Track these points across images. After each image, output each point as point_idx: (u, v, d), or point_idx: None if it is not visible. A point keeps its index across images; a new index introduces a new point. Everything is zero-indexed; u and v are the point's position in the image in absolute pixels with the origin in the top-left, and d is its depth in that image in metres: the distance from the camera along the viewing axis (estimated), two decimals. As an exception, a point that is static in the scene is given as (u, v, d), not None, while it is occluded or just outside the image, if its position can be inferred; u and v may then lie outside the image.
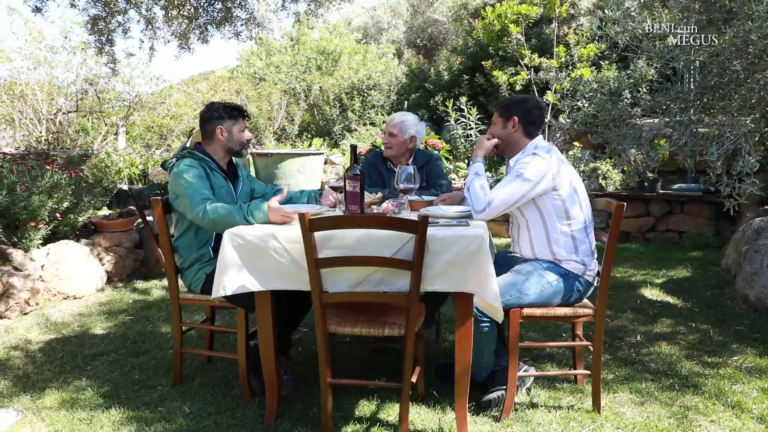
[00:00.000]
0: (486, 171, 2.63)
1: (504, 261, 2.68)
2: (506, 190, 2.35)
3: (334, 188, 2.77)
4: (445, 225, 2.22)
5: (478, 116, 7.76)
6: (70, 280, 4.33)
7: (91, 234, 4.87)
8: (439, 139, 6.97)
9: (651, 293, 4.31)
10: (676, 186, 6.30)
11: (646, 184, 6.29)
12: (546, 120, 2.55)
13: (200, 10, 6.24)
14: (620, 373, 2.85)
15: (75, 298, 4.36)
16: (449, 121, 7.86)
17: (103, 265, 4.74)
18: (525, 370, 2.57)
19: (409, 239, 2.04)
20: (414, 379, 2.34)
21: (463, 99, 7.63)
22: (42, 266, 4.21)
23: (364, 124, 9.00)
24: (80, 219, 4.89)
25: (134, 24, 7.48)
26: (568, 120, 3.88)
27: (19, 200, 4.00)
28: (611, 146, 3.64)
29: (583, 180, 6.91)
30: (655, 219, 6.34)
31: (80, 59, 7.89)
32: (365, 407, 2.51)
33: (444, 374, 2.70)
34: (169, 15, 6.49)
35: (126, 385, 2.77)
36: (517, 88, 6.84)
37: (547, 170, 2.35)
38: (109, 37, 6.67)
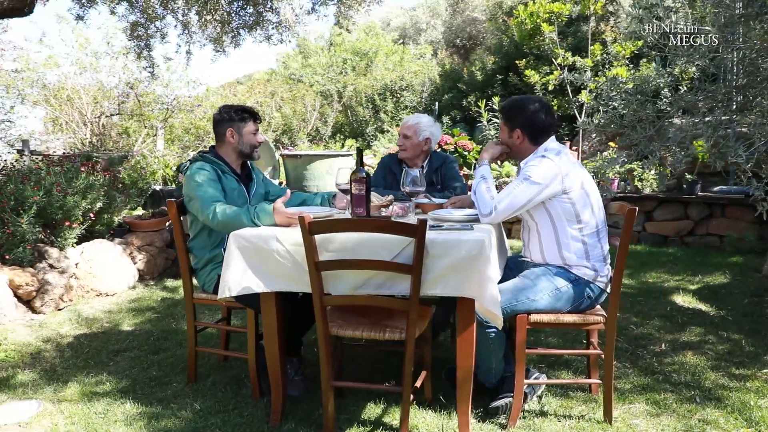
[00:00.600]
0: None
1: (515, 265, 2.63)
2: (513, 194, 2.30)
3: (344, 191, 2.78)
4: (449, 229, 2.19)
5: (511, 116, 7.62)
6: (102, 278, 4.50)
7: (125, 233, 5.05)
8: (470, 140, 6.88)
9: (683, 300, 4.14)
10: (716, 188, 6.03)
11: (684, 186, 6.05)
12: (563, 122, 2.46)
13: (233, 14, 6.38)
14: (638, 383, 2.74)
15: (107, 295, 4.53)
16: (482, 122, 7.77)
17: (135, 263, 4.91)
18: (535, 378, 2.51)
19: (408, 243, 2.02)
20: (418, 384, 2.33)
21: (496, 99, 7.52)
22: (76, 264, 4.39)
23: (397, 125, 9.01)
24: (116, 219, 5.08)
25: (171, 29, 7.69)
26: (593, 121, 3.76)
27: (55, 201, 4.19)
28: (639, 147, 3.51)
29: (619, 182, 6.71)
30: (694, 222, 6.08)
31: (122, 64, 8.19)
32: (371, 410, 2.50)
33: (455, 379, 2.67)
34: (204, 20, 6.66)
35: (143, 381, 2.86)
36: (550, 87, 6.69)
37: (556, 173, 2.28)
38: (147, 42, 6.90)
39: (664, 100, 3.48)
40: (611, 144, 6.33)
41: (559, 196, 2.32)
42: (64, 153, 7.94)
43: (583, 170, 2.40)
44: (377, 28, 15.28)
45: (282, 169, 6.80)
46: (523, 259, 2.58)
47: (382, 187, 3.23)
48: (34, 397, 2.69)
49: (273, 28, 6.16)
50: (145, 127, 8.56)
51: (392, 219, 2.29)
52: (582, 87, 6.71)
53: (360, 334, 2.16)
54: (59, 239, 4.30)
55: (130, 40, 6.86)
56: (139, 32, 6.83)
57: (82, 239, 4.69)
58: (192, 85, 8.26)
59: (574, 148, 7.87)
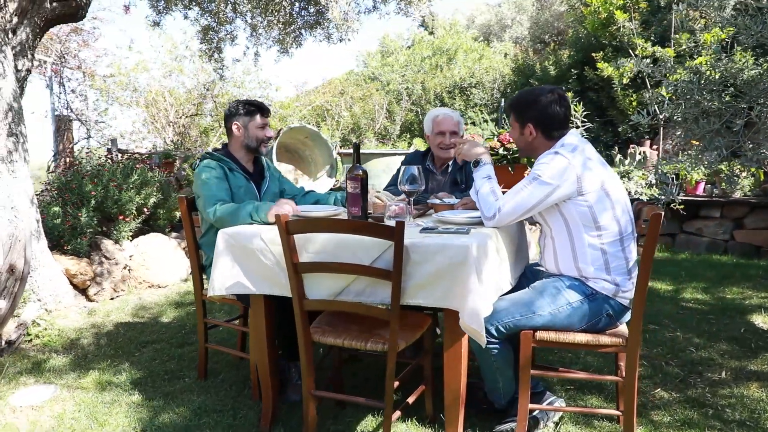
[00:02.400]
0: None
1: (532, 275, 2.36)
2: (521, 195, 2.05)
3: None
4: (442, 232, 2.00)
5: (585, 113, 7.11)
6: (155, 270, 4.70)
7: (182, 228, 5.25)
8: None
9: (763, 321, 3.59)
10: (823, 193, 5.23)
11: (782, 190, 5.31)
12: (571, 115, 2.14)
13: (295, 15, 6.45)
14: (681, 416, 2.37)
15: (159, 287, 4.72)
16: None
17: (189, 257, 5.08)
18: (549, 402, 2.24)
19: (388, 247, 1.86)
20: (411, 399, 2.15)
21: (569, 95, 7.04)
22: (131, 256, 4.61)
23: (465, 124, 8.73)
24: (177, 214, 5.29)
25: (240, 31, 7.94)
26: (646, 116, 3.35)
27: (111, 196, 4.42)
28: (702, 143, 3.06)
29: (706, 184, 6.02)
30: (793, 232, 5.32)
31: (199, 66, 8.60)
32: (368, 423, 2.36)
33: (467, 397, 2.45)
34: (270, 22, 6.81)
35: (159, 374, 2.91)
36: (625, 81, 6.15)
37: (569, 172, 2.01)
38: (218, 45, 7.18)
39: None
40: (693, 142, 5.69)
41: (574, 198, 2.04)
42: (147, 151, 8.48)
43: (605, 169, 2.09)
44: (458, 25, 14.95)
45: (340, 167, 6.79)
46: (539, 268, 2.31)
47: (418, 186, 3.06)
48: (57, 382, 2.81)
49: (333, 27, 6.15)
50: (220, 126, 8.94)
51: (384, 220, 2.13)
52: (662, 79, 6.10)
53: (341, 342, 2.02)
54: (115, 232, 4.53)
55: (201, 43, 7.17)
56: (210, 36, 7.12)
57: (141, 233, 4.93)
58: (262, 86, 8.50)
59: (654, 147, 7.18)
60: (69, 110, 8.20)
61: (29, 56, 3.42)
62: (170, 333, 3.56)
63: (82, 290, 4.25)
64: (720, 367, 2.90)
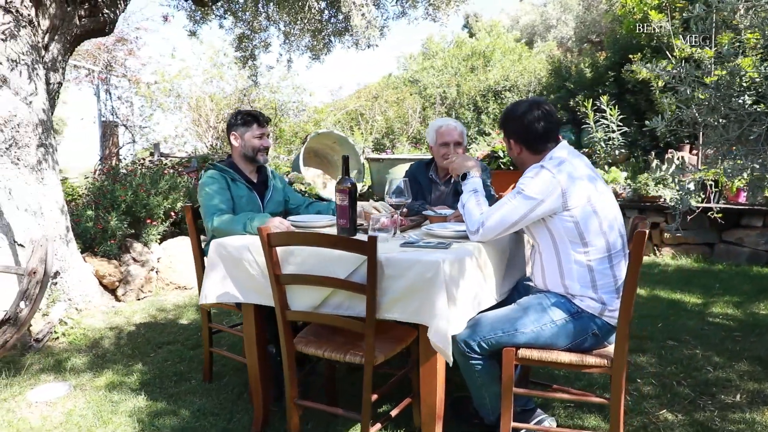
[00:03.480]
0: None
1: (523, 289, 2.32)
2: (504, 209, 2.03)
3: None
4: (422, 246, 1.99)
5: (622, 117, 6.88)
6: (181, 272, 4.87)
7: (209, 231, 5.42)
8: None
9: (794, 341, 3.38)
10: None
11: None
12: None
13: (324, 22, 6.55)
14: (681, 441, 2.27)
15: (185, 289, 4.88)
16: (588, 124, 7.10)
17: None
18: (536, 422, 2.19)
19: (363, 261, 1.87)
20: (394, 413, 2.15)
21: (604, 98, 6.83)
22: (158, 258, 4.80)
23: (495, 127, 8.61)
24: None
25: (273, 39, 8.12)
26: (662, 121, 3.22)
27: (140, 200, 4.62)
28: (720, 152, 2.92)
29: (746, 192, 5.72)
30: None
31: (236, 72, 8.85)
32: (356, 432, 2.38)
33: (457, 410, 2.44)
34: (301, 29, 6.94)
35: (168, 375, 3.02)
36: (660, 83, 5.91)
37: (553, 186, 1.96)
38: (252, 52, 7.37)
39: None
40: (734, 149, 5.42)
41: (559, 213, 1.99)
42: (187, 155, 8.78)
43: (593, 184, 2.03)
44: (499, 26, 14.75)
45: (367, 171, 6.84)
46: (529, 283, 2.27)
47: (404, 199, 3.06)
48: (73, 380, 2.96)
49: (360, 34, 6.20)
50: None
51: (369, 232, 2.15)
52: (701, 81, 5.84)
53: (322, 353, 2.05)
54: (144, 235, 4.73)
55: (236, 51, 7.39)
56: (245, 44, 7.32)
57: (171, 235, 5.12)
58: (298, 91, 8.66)
59: (694, 152, 6.88)
60: (114, 116, 8.60)
61: (60, 71, 3.64)
62: (187, 334, 3.69)
63: (111, 291, 4.46)
64: (736, 389, 2.75)
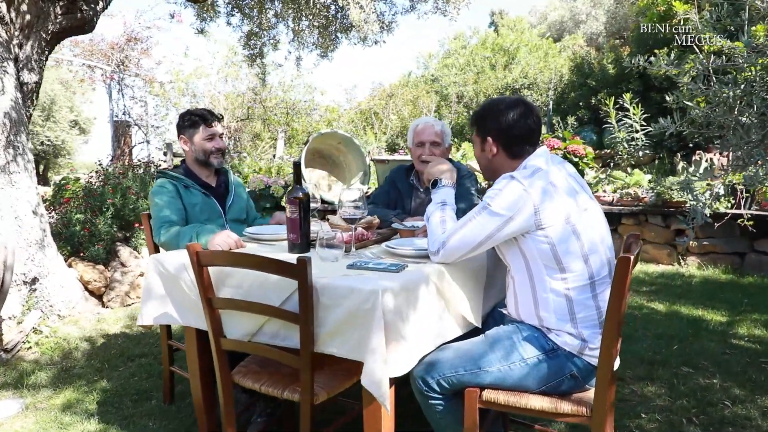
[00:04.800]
0: None
1: (499, 316, 2.03)
2: (468, 227, 1.74)
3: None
4: (371, 268, 1.73)
5: (646, 116, 6.45)
6: (172, 278, 4.70)
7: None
8: (582, 144, 5.95)
9: (828, 371, 2.99)
10: None
11: None
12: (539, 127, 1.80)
13: (331, 18, 6.33)
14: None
15: (176, 295, 4.72)
16: (610, 123, 6.69)
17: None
18: (510, 468, 1.90)
19: (296, 287, 1.62)
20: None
21: (627, 96, 6.41)
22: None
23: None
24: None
25: (282, 36, 7.94)
26: (668, 123, 2.86)
27: (129, 204, 4.47)
28: (741, 156, 2.57)
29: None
30: None
31: (248, 71, 8.72)
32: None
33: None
34: (309, 25, 6.73)
35: (129, 394, 2.83)
36: (685, 80, 5.48)
37: (522, 201, 1.67)
38: (260, 50, 7.20)
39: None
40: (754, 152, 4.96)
41: (532, 232, 1.70)
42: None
43: (573, 199, 1.72)
44: (523, 22, 14.30)
45: (373, 173, 6.59)
46: (503, 310, 1.97)
47: (383, 205, 2.79)
48: (29, 397, 2.80)
49: (360, 27, 5.95)
50: (269, 130, 9.01)
51: (316, 250, 1.89)
52: (732, 77, 5.39)
53: (259, 387, 1.80)
54: (133, 240, 4.59)
55: (244, 49, 7.23)
56: (253, 41, 7.16)
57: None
58: (309, 90, 8.47)
59: (725, 153, 6.39)
60: (127, 116, 8.57)
61: (36, 69, 3.50)
62: (159, 348, 3.50)
63: (98, 296, 4.32)
64: (756, 429, 2.40)
